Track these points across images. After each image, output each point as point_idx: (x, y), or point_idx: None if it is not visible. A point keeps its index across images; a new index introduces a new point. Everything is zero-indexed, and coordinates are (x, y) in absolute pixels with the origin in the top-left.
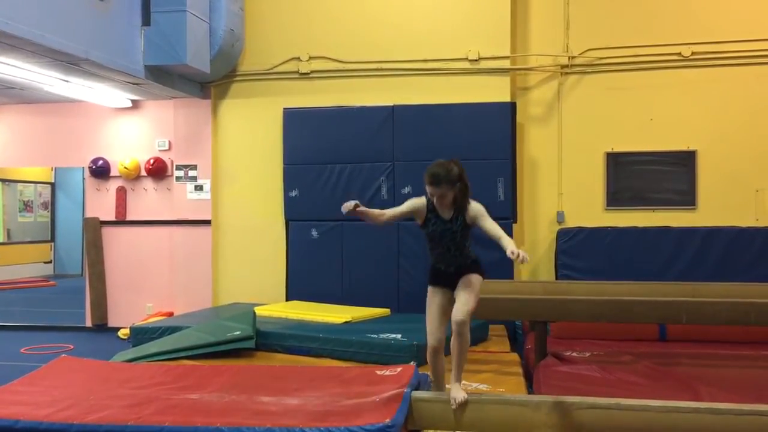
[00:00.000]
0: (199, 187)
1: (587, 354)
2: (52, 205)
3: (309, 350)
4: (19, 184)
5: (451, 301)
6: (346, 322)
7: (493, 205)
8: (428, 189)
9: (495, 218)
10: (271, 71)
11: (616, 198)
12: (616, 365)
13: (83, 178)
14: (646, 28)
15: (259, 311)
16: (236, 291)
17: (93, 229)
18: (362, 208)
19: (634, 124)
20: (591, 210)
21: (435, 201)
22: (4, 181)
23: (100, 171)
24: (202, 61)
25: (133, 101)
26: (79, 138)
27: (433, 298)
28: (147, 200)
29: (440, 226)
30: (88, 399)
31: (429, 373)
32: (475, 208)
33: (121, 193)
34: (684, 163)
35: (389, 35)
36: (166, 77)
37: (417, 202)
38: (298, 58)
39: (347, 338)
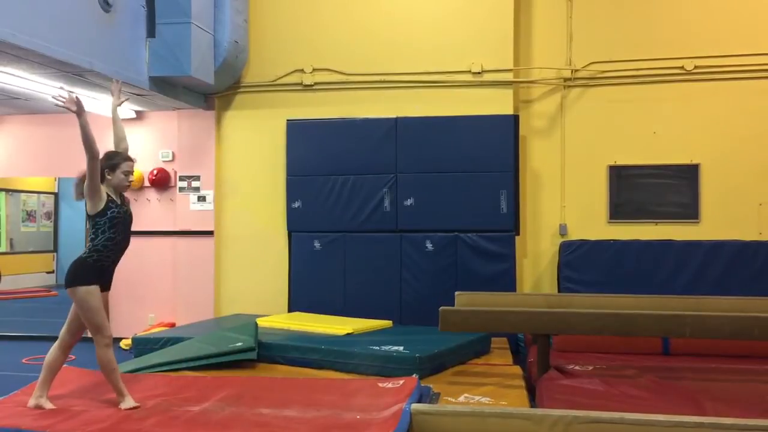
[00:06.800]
0: (202, 198)
1: (590, 367)
2: (55, 215)
3: (311, 362)
4: (22, 194)
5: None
6: (348, 334)
7: (496, 217)
8: (127, 166)
9: (497, 230)
10: (274, 83)
11: (619, 211)
12: (620, 379)
13: None
14: (648, 42)
15: (261, 322)
16: (238, 302)
17: None
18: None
19: (637, 137)
20: (594, 223)
21: (129, 180)
22: (7, 191)
23: None
24: (207, 72)
25: (137, 112)
26: (82, 148)
27: (96, 296)
28: (150, 211)
29: (122, 210)
30: (90, 410)
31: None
32: None
33: None
34: (687, 176)
35: (392, 48)
36: (171, 88)
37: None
38: (302, 70)
39: (349, 350)
